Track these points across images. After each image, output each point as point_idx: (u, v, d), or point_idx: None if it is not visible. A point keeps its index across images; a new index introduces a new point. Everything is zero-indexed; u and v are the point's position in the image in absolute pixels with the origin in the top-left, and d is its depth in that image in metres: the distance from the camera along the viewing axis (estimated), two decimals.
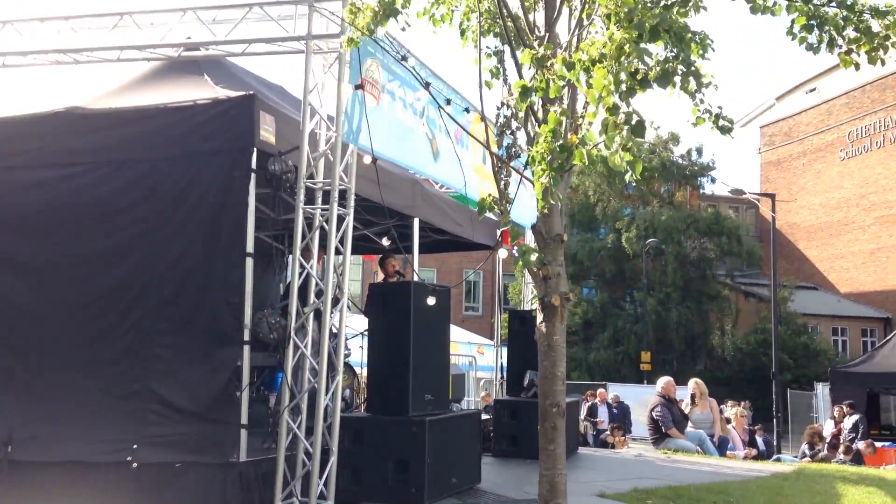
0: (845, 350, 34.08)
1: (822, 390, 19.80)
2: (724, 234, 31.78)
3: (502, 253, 6.70)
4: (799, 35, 4.82)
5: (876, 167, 35.19)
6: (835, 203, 36.95)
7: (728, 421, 11.75)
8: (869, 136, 35.66)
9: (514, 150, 5.68)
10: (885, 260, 34.51)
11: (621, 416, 17.64)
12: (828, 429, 14.81)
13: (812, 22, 4.78)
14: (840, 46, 4.82)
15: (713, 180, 35.00)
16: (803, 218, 38.77)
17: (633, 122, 3.82)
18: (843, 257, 36.55)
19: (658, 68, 3.82)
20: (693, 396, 10.29)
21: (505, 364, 9.57)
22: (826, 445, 13.00)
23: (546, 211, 5.16)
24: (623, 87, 3.87)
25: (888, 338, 19.07)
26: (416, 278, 7.31)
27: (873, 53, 4.76)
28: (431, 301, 5.86)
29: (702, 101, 4.25)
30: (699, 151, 33.72)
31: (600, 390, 19.26)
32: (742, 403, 18.19)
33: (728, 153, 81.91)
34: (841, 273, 36.79)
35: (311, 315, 5.66)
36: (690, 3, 4.20)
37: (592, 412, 17.51)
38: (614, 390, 23.38)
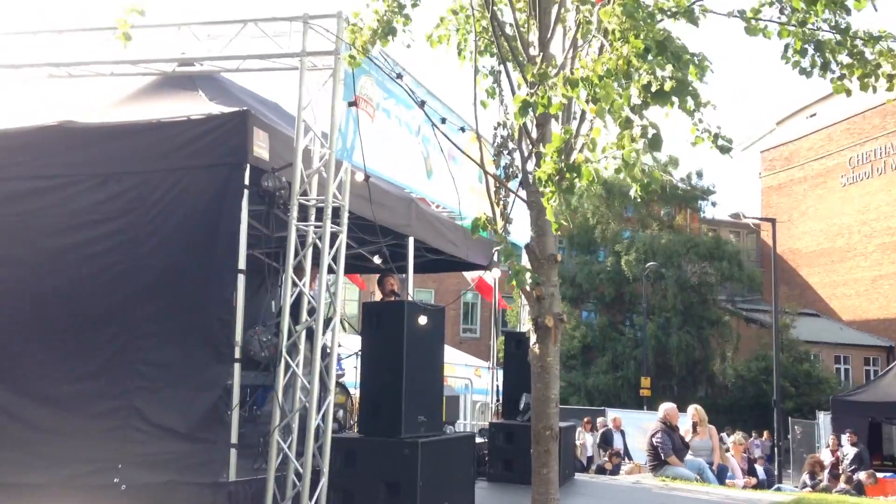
0: (848, 378, 33.99)
1: (823, 419, 19.71)
2: (725, 258, 31.85)
3: (495, 273, 6.72)
4: (792, 59, 4.88)
5: (877, 193, 35.34)
6: (836, 229, 37.07)
7: (727, 449, 11.70)
8: (870, 161, 35.86)
9: (511, 170, 5.72)
10: (887, 287, 34.57)
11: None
12: (825, 458, 14.74)
13: (807, 46, 4.84)
14: (833, 72, 4.87)
15: (713, 204, 35.24)
16: (805, 244, 38.86)
17: (650, 136, 3.85)
18: (846, 284, 36.59)
19: (672, 81, 3.84)
20: (694, 424, 10.24)
21: (501, 387, 9.53)
22: (827, 475, 12.93)
23: (540, 231, 5.19)
24: (636, 100, 3.89)
25: (890, 366, 19.08)
26: (410, 298, 7.30)
27: (865, 80, 4.80)
28: (422, 321, 5.85)
29: (700, 121, 4.29)
30: (699, 175, 33.98)
31: (614, 416, 19.10)
32: (752, 435, 18.15)
33: (729, 177, 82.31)
34: (843, 300, 36.82)
35: (304, 333, 5.66)
36: (691, 15, 4.23)
37: (607, 440, 17.33)
38: (613, 416, 23.30)
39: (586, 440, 17.80)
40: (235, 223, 5.43)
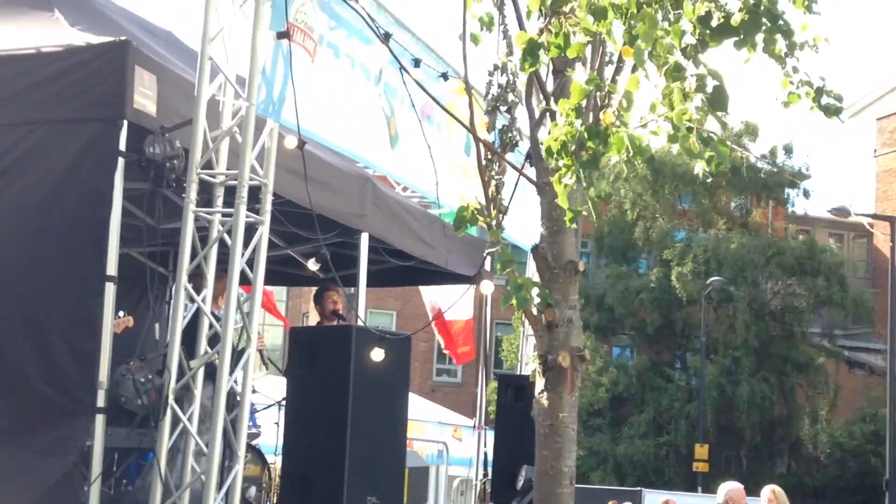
0: None
1: None
2: (822, 273, 32.12)
3: (488, 288, 6.74)
4: None
5: None
6: None
7: None
8: None
9: (510, 135, 5.75)
10: None
11: None
12: None
13: None
14: None
15: (808, 194, 35.47)
16: None
17: (711, 90, 3.88)
18: None
19: (743, 12, 3.86)
20: None
21: (491, 455, 9.54)
22: None
23: (555, 227, 5.23)
24: (689, 38, 3.91)
25: None
26: (361, 322, 7.30)
27: None
28: (378, 355, 5.86)
29: (795, 70, 4.33)
30: (788, 151, 34.17)
31: (665, 499, 19.18)
32: None
33: (829, 155, 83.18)
34: None
35: (201, 372, 5.63)
36: None
37: None
38: (655, 501, 23.41)
39: None
40: (103, 207, 5.40)
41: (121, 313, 7.36)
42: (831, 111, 4.57)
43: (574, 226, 4.93)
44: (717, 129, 4.05)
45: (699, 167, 4.57)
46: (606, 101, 4.51)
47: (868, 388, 32.88)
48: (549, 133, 4.32)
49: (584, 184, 4.31)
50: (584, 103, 4.34)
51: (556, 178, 4.31)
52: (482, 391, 11.92)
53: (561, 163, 4.23)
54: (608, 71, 5.18)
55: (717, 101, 3.90)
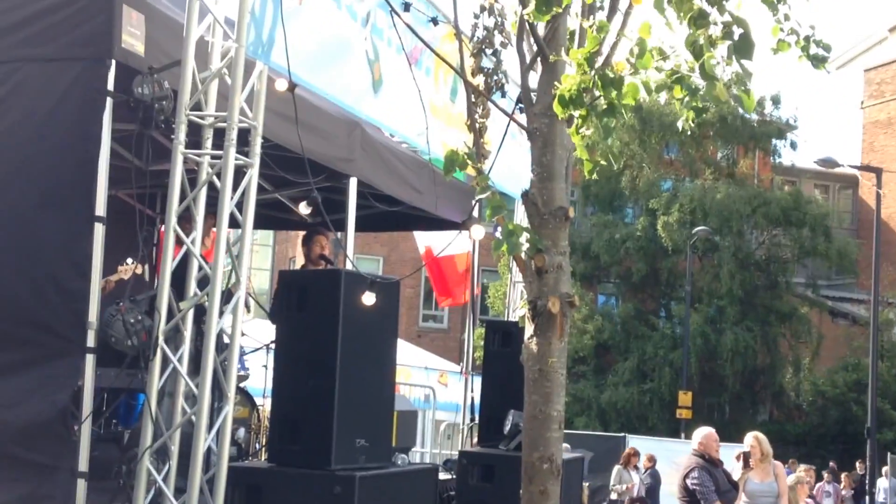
0: None
1: None
2: (807, 224, 32.17)
3: (478, 233, 6.74)
4: None
5: None
6: None
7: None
8: None
9: (496, 77, 5.71)
10: None
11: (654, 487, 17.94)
12: None
13: None
14: None
15: (795, 145, 35.42)
16: None
17: (738, 37, 3.84)
18: None
19: None
20: (746, 456, 10.40)
21: (478, 400, 9.59)
22: None
23: (545, 173, 5.21)
24: None
25: None
26: (350, 266, 7.30)
27: None
28: (368, 300, 5.86)
29: (786, 18, 4.30)
30: (775, 102, 34.13)
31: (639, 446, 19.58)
32: (824, 476, 18.57)
33: (816, 107, 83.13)
34: None
35: (191, 314, 5.63)
36: None
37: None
38: (639, 446, 23.66)
39: (633, 480, 18.41)
40: (92, 148, 5.37)
41: (129, 260, 7.36)
42: (818, 60, 4.55)
43: (590, 175, 4.89)
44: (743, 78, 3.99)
45: (681, 121, 4.57)
46: (614, 50, 4.48)
47: (851, 337, 33.11)
48: (560, 82, 4.27)
49: (602, 134, 4.28)
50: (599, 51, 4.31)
51: (572, 130, 4.28)
52: (469, 337, 11.96)
53: (576, 113, 4.20)
54: (601, 15, 5.14)
55: (742, 49, 3.87)
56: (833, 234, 33.44)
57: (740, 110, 32.19)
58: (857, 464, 22.86)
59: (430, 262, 11.82)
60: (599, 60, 4.34)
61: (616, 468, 18.98)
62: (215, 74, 5.78)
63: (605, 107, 4.18)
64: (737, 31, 3.83)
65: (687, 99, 4.04)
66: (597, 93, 4.20)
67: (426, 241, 12.01)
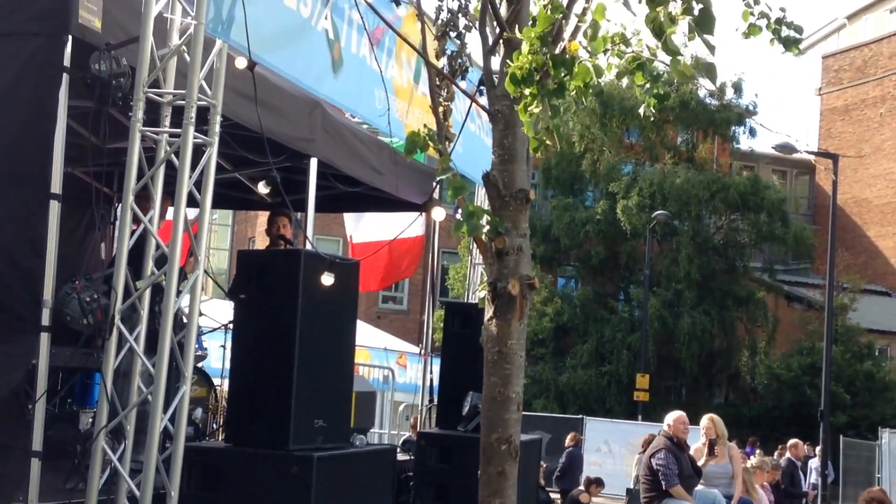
0: None
1: (888, 440, 20.57)
2: (765, 209, 32.41)
3: (439, 214, 6.74)
4: None
5: None
6: None
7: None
8: None
9: (460, 61, 5.70)
10: None
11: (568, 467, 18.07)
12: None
13: None
14: None
15: (753, 131, 35.67)
16: (877, 192, 40.02)
17: (697, 12, 3.84)
18: None
19: None
20: (712, 444, 10.51)
21: (437, 382, 9.62)
22: None
23: (507, 155, 5.22)
24: None
25: None
26: (309, 246, 7.28)
27: None
28: (327, 280, 5.85)
29: (756, 2, 4.31)
30: (737, 88, 34.29)
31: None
32: (776, 453, 18.89)
33: (775, 93, 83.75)
34: None
35: (148, 293, 5.60)
36: None
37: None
38: (596, 428, 23.89)
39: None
40: (48, 124, 5.31)
41: None
42: (791, 43, 4.57)
43: (536, 153, 4.91)
44: (706, 53, 4.01)
45: (643, 107, 4.57)
46: (569, 30, 4.49)
47: (806, 322, 33.50)
48: (514, 61, 4.28)
49: (550, 113, 4.29)
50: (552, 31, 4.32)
51: (521, 107, 4.28)
52: (429, 318, 11.98)
53: (526, 92, 4.20)
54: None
55: (704, 24, 3.87)
56: (790, 220, 33.84)
57: (701, 95, 32.46)
58: (806, 446, 23.25)
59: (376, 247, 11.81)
60: (561, 44, 4.35)
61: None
62: (174, 52, 5.71)
63: (554, 87, 4.19)
64: (696, 6, 3.84)
65: (648, 86, 4.06)
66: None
67: (351, 229, 12.01)
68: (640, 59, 4.01)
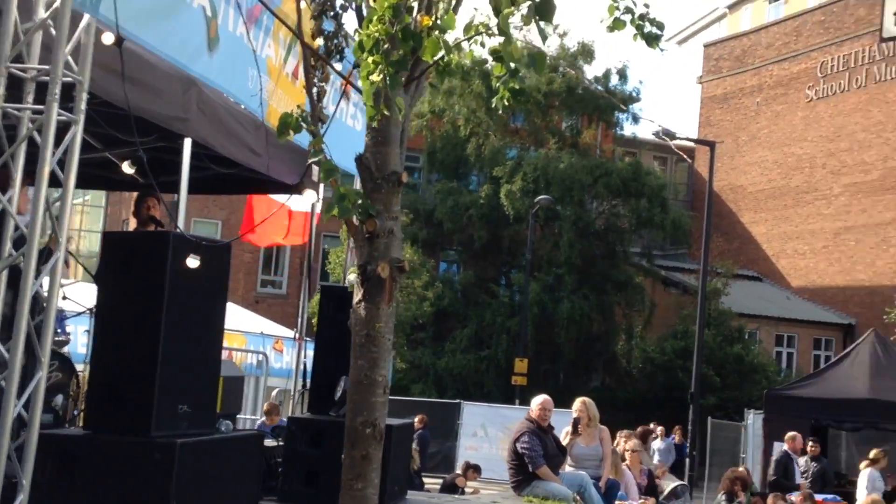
0: (790, 366, 36.70)
1: (753, 420, 21.24)
2: (645, 195, 33.06)
3: (310, 197, 6.73)
4: None
5: (853, 114, 37.75)
6: (794, 161, 39.47)
7: (622, 458, 12.41)
8: (847, 69, 38.13)
9: (335, 41, 5.70)
10: (853, 244, 37.22)
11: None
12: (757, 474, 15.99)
13: None
14: None
15: (636, 119, 36.40)
16: (751, 179, 41.21)
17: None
18: (800, 237, 39.20)
19: None
20: (576, 422, 10.78)
21: (311, 366, 9.61)
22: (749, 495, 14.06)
23: (381, 138, 5.25)
24: None
25: (846, 350, 20.69)
26: (180, 228, 7.19)
27: None
28: (194, 263, 5.80)
29: None
30: (622, 76, 34.90)
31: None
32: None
33: (658, 80, 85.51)
34: (794, 259, 39.48)
35: (4, 275, 5.47)
36: None
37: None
38: (473, 412, 24.09)
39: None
40: None
41: None
42: (652, 39, 4.69)
43: (372, 120, 4.94)
44: (539, 41, 4.11)
45: (495, 99, 4.65)
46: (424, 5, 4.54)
47: (681, 306, 34.26)
48: (364, 28, 4.33)
49: (391, 84, 4.32)
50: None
51: (363, 75, 4.32)
52: (304, 302, 11.94)
53: (370, 60, 4.24)
54: None
55: (543, 10, 3.95)
56: (669, 206, 34.54)
57: (586, 81, 32.97)
58: (676, 428, 23.93)
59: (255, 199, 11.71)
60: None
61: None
62: (39, 25, 5.56)
63: (398, 58, 4.25)
64: None
65: (505, 78, 4.14)
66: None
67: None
68: (499, 52, 4.08)
